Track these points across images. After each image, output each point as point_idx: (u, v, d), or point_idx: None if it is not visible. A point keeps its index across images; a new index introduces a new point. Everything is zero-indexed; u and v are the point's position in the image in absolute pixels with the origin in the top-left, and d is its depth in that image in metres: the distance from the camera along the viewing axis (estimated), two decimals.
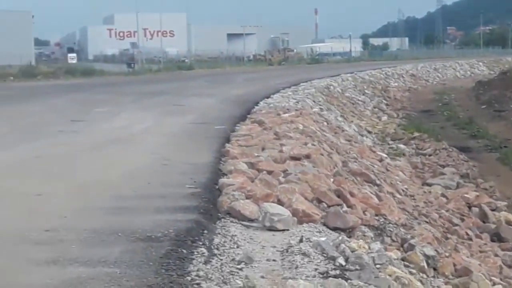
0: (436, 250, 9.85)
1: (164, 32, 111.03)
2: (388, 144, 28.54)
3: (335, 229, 8.49)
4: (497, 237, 14.57)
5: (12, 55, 67.72)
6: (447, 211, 15.74)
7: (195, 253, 6.63)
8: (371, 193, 12.11)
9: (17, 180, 10.30)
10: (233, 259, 6.71)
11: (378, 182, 14.41)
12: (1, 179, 10.41)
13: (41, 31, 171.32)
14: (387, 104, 46.74)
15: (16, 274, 5.99)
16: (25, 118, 21.11)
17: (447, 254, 10.48)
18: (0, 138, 15.79)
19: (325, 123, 22.83)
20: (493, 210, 16.83)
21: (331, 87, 41.01)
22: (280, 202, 8.79)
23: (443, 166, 23.65)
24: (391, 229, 10.04)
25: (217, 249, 7.00)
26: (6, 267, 6.18)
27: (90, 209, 8.41)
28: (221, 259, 6.66)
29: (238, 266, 6.51)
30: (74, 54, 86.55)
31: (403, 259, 8.48)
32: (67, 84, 43.57)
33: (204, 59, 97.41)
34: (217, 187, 9.83)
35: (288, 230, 7.96)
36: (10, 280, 5.83)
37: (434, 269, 9.16)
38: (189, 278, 5.91)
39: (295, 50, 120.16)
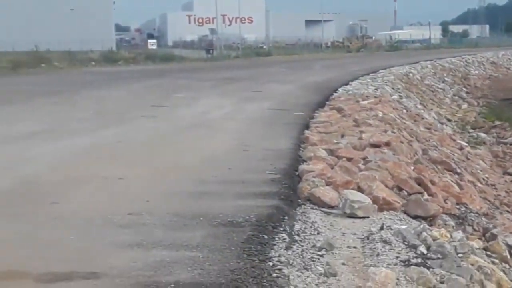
0: None
1: (243, 19, 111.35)
2: (468, 132, 28.03)
3: (416, 217, 8.43)
4: None
5: (94, 40, 69.07)
6: None
7: (276, 238, 6.67)
8: (452, 181, 11.98)
9: (100, 165, 10.48)
10: (313, 246, 6.71)
11: (458, 170, 14.24)
12: (85, 164, 10.62)
13: (122, 17, 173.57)
14: (467, 92, 45.92)
15: (101, 257, 6.09)
16: (107, 103, 21.48)
17: None
18: (83, 123, 16.08)
19: (404, 111, 22.60)
20: None
21: (410, 74, 40.56)
22: (360, 189, 8.76)
23: None
24: (473, 218, 9.91)
25: (298, 235, 7.01)
26: (91, 249, 6.30)
27: (172, 193, 8.51)
28: (302, 245, 6.67)
29: (319, 253, 6.51)
30: (154, 40, 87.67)
31: (485, 249, 8.33)
32: (147, 70, 44.11)
33: (282, 45, 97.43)
34: (297, 173, 9.85)
35: (368, 217, 7.92)
36: (96, 262, 5.92)
37: None
38: (270, 263, 5.94)
39: (373, 37, 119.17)
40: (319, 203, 8.32)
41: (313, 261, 6.25)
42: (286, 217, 7.47)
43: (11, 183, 9.11)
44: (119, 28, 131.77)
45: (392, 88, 29.09)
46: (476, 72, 61.20)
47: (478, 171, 17.38)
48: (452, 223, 8.99)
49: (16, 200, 8.20)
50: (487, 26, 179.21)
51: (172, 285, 5.33)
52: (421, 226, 7.46)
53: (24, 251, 6.23)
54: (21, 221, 7.22)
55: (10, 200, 8.19)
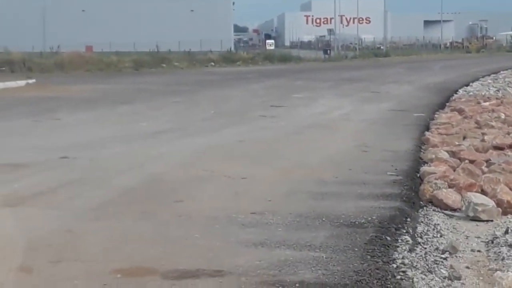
0: None
1: (361, 19, 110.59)
2: None
3: None
4: None
5: (213, 41, 69.98)
6: None
7: (399, 240, 6.66)
8: None
9: (223, 164, 10.66)
10: (437, 248, 6.69)
11: None
12: (208, 163, 10.84)
13: (240, 17, 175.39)
14: None
15: (226, 255, 6.19)
16: (228, 102, 21.81)
17: None
18: (205, 122, 16.42)
19: None
20: None
21: None
22: (483, 192, 8.64)
23: None
24: None
25: (421, 237, 7.00)
26: (216, 248, 6.41)
27: (294, 193, 8.61)
28: (425, 248, 6.65)
29: (443, 256, 6.48)
30: (272, 41, 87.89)
31: None
32: (265, 70, 44.42)
33: (399, 46, 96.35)
34: (418, 175, 9.81)
35: (492, 220, 7.82)
36: (221, 261, 6.03)
37: None
38: (394, 265, 5.94)
39: (494, 38, 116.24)
40: (442, 206, 8.27)
41: (436, 263, 6.22)
42: (408, 219, 7.45)
43: (139, 181, 9.41)
44: (238, 29, 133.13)
45: None
46: None
47: None
48: None
49: (143, 198, 8.47)
50: None
51: (297, 285, 5.39)
52: None
53: (150, 248, 6.41)
54: (148, 218, 7.44)
55: (138, 198, 8.46)
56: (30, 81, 31.80)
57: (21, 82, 30.98)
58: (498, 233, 7.21)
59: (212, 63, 51.34)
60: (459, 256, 6.55)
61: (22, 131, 15.18)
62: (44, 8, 62.36)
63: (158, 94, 25.33)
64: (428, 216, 7.87)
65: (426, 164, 10.52)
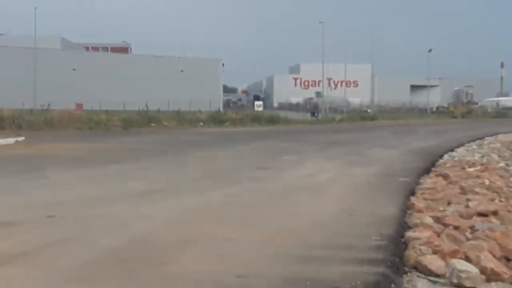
0: None
1: (348, 82, 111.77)
2: None
3: None
4: None
5: (202, 101, 70.51)
6: None
7: None
8: None
9: (209, 225, 10.70)
10: None
11: None
12: (194, 224, 10.89)
13: (229, 78, 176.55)
14: None
15: None
16: (216, 163, 21.94)
17: None
18: (194, 183, 16.50)
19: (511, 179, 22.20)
20: None
21: None
22: (467, 259, 8.70)
23: None
24: None
25: None
26: None
27: (279, 256, 8.65)
28: None
29: None
30: (261, 102, 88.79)
31: None
32: (254, 131, 44.71)
33: (386, 109, 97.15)
34: (403, 240, 9.88)
35: (475, 287, 7.88)
36: None
37: None
38: None
39: (479, 103, 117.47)
40: (426, 272, 8.33)
41: None
42: (393, 285, 7.52)
43: (124, 242, 9.43)
44: (226, 89, 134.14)
45: (499, 155, 28.60)
46: None
47: None
48: None
49: (129, 258, 8.48)
50: None
51: None
52: None
53: None
54: (133, 279, 7.47)
55: (123, 258, 8.47)
56: (20, 138, 31.92)
57: (11, 140, 31.11)
58: None
59: (201, 123, 51.65)
60: None
61: (11, 189, 15.22)
62: (34, 65, 62.66)
63: (147, 153, 25.45)
64: (412, 282, 7.93)
65: (411, 230, 10.59)
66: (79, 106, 71.15)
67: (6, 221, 10.72)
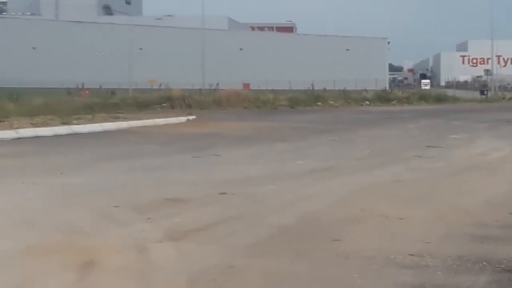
0: None
1: None
2: None
3: None
4: None
5: (368, 80, 70.03)
6: None
7: None
8: None
9: (379, 204, 10.60)
10: None
11: None
12: (363, 202, 10.79)
13: (395, 57, 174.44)
14: None
15: None
16: (382, 142, 21.73)
17: None
18: (360, 161, 16.43)
19: None
20: None
21: None
22: None
23: None
24: None
25: None
26: None
27: (452, 235, 8.44)
28: None
29: None
30: (428, 80, 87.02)
31: None
32: (420, 110, 43.95)
33: None
34: None
35: None
36: None
37: None
38: None
39: None
40: None
41: None
42: None
43: (294, 219, 9.48)
44: (392, 68, 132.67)
45: None
46: None
47: None
48: None
49: (299, 236, 8.51)
50: None
51: None
52: None
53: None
54: (304, 257, 7.48)
55: (294, 236, 8.51)
56: (191, 117, 32.78)
57: (182, 118, 32.02)
58: None
59: (367, 102, 51.29)
60: None
61: (185, 166, 15.71)
62: (203, 45, 64.03)
63: (314, 132, 25.57)
64: None
65: None
66: (246, 85, 72.24)
67: (182, 198, 11.04)
